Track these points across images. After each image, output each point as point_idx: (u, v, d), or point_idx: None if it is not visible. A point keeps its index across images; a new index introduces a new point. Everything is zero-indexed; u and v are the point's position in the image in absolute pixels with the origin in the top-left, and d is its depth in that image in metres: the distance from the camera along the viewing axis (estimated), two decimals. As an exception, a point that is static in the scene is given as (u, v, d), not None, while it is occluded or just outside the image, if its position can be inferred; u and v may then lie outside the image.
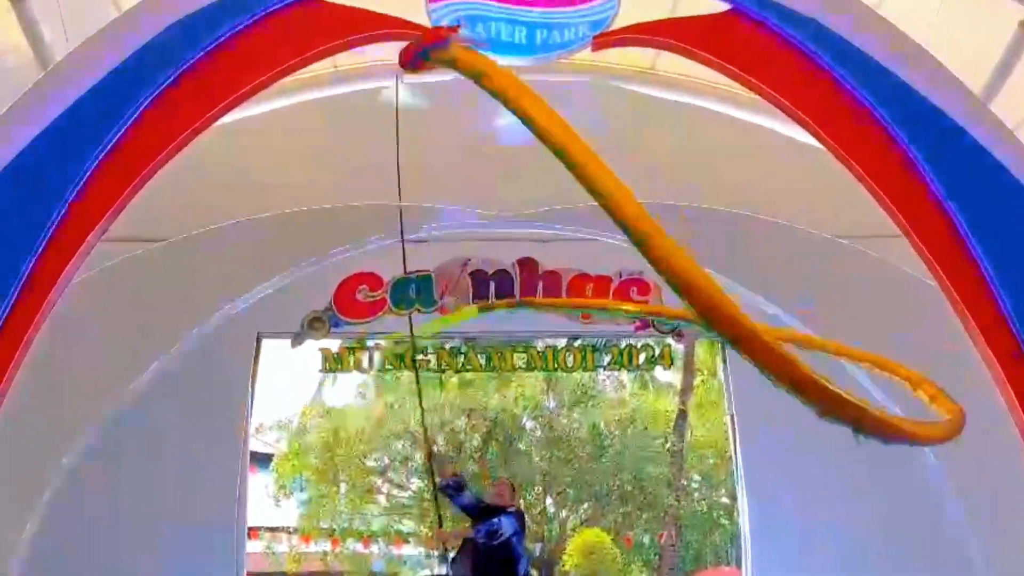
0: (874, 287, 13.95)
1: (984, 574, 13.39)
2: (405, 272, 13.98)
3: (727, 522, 24.77)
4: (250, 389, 15.97)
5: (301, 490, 26.48)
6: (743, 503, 16.13)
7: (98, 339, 13.81)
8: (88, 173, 7.82)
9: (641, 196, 6.05)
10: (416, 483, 27.97)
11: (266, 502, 25.63)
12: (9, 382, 7.60)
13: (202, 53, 8.04)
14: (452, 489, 10.27)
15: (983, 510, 13.77)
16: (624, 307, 15.04)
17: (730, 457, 17.26)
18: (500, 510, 10.10)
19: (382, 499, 28.03)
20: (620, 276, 15.78)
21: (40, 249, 7.61)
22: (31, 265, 7.56)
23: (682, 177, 13.82)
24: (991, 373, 8.17)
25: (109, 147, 7.90)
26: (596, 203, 5.93)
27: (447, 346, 16.77)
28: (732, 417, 16.31)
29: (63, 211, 7.74)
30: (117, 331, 14.09)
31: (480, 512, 10.15)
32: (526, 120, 5.99)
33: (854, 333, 14.45)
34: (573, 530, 25.75)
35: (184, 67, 8.01)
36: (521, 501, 23.50)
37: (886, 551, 14.49)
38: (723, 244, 14.81)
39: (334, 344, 16.68)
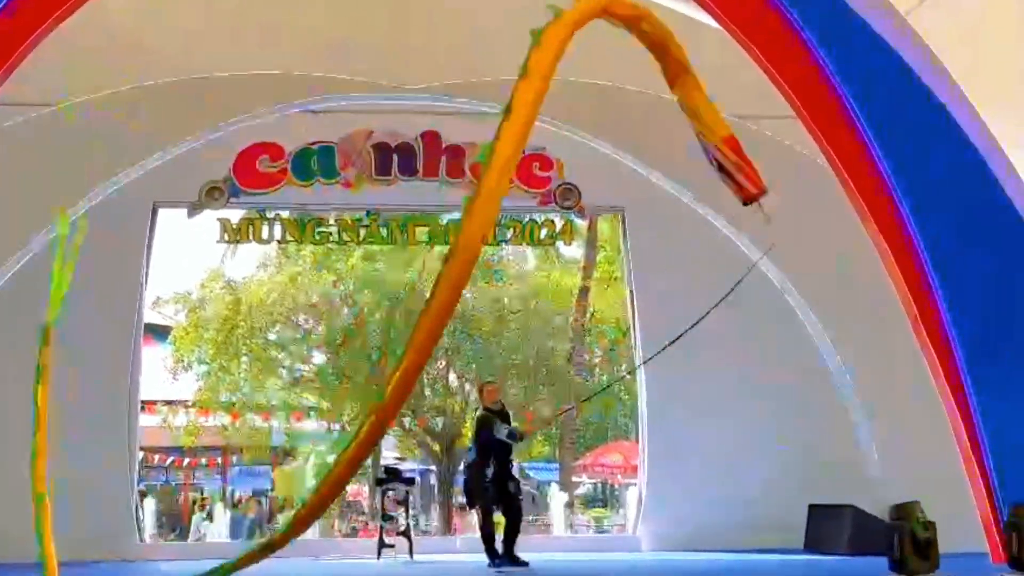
0: (767, 167, 14.09)
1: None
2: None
3: (627, 397, 25.07)
4: (145, 260, 15.69)
5: (200, 363, 26.13)
6: (641, 379, 16.33)
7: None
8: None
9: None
10: (318, 357, 27.92)
11: (164, 376, 25.35)
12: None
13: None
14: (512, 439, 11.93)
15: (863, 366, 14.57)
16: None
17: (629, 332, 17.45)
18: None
19: (284, 373, 27.90)
20: (523, 151, 15.67)
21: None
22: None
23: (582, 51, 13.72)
24: (875, 245, 8.37)
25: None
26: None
27: (350, 218, 16.59)
28: (631, 293, 16.45)
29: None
30: (6, 198, 13.78)
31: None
32: None
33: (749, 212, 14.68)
34: (476, 405, 25.85)
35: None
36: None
37: (778, 421, 14.85)
38: (620, 120, 14.90)
39: (235, 215, 16.43)
